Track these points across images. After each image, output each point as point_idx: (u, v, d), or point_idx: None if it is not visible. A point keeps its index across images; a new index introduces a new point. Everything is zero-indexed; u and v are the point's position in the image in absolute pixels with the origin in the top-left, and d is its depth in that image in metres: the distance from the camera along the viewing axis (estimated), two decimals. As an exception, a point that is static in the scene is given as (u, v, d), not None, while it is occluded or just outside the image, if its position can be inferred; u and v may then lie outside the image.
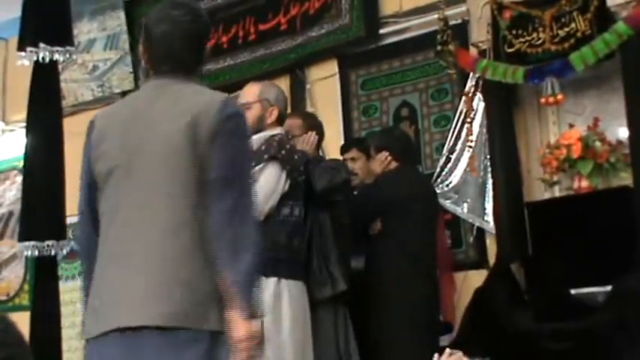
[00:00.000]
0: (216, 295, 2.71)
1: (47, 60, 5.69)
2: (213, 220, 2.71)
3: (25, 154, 5.67)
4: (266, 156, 4.42)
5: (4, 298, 8.60)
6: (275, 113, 4.60)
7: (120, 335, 2.68)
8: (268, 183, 4.38)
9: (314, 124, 5.14)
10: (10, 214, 8.63)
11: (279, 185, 4.42)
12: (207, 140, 2.72)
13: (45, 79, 5.79)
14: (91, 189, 2.90)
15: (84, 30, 8.17)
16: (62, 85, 6.51)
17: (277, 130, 4.63)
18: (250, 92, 4.66)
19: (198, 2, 3.33)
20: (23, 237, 5.33)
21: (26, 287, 8.32)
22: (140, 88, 3.03)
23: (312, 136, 4.95)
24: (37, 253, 5.12)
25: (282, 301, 4.35)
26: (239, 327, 2.68)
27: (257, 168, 4.36)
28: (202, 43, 2.93)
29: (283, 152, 4.47)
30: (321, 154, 5.55)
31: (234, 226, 2.70)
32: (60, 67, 6.03)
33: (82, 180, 2.96)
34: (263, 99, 4.60)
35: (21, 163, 6.24)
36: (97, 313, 2.78)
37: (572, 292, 5.13)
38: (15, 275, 8.53)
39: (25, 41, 5.77)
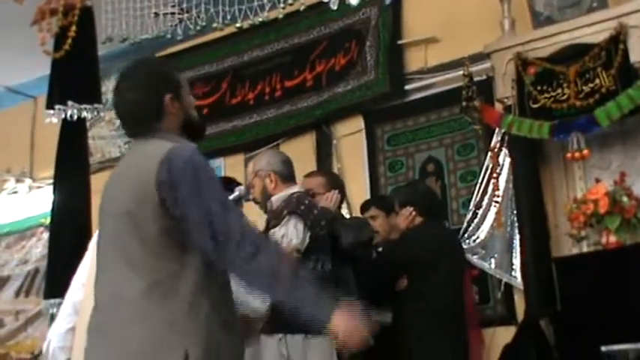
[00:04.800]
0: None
1: (75, 117, 5.76)
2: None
3: (52, 210, 5.71)
4: (285, 211, 4.52)
5: (28, 356, 8.57)
6: (273, 177, 4.76)
7: None
8: (289, 236, 4.45)
9: (336, 183, 5.24)
10: (36, 271, 8.65)
11: (300, 238, 4.47)
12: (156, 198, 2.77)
13: (73, 137, 5.85)
14: None
15: (111, 87, 8.23)
16: (90, 142, 6.58)
17: (294, 189, 4.76)
18: (248, 171, 4.92)
19: (147, 61, 3.40)
20: (49, 295, 5.34)
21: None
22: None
23: (335, 194, 4.99)
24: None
25: (310, 358, 4.35)
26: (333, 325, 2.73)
27: (279, 226, 4.48)
28: (150, 104, 2.98)
29: (302, 207, 4.56)
30: (346, 210, 5.59)
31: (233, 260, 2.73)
32: (87, 124, 6.10)
33: None
34: (257, 171, 4.80)
35: (47, 220, 6.28)
36: None
37: (603, 349, 5.05)
38: (40, 333, 8.51)
39: (53, 99, 5.85)
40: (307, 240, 4.50)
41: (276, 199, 4.66)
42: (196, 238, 2.72)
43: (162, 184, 2.74)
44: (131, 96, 2.99)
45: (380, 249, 5.42)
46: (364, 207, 5.74)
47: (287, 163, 4.84)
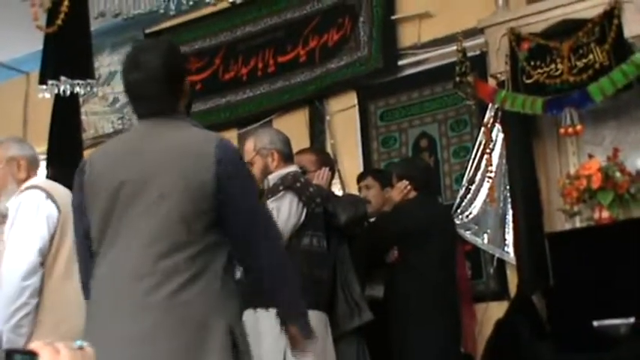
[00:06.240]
0: None
1: (68, 93, 5.74)
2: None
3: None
4: (281, 187, 4.52)
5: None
6: (275, 156, 4.70)
7: None
8: (284, 212, 4.45)
9: (327, 161, 5.29)
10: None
11: (295, 213, 4.49)
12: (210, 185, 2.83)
13: (66, 112, 5.84)
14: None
15: (104, 63, 8.23)
16: (82, 117, 6.57)
17: (291, 168, 4.73)
18: (248, 149, 4.80)
19: (167, 40, 3.43)
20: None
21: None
22: (131, 130, 3.20)
23: (326, 171, 5.05)
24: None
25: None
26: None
27: (272, 199, 4.47)
28: (175, 83, 3.00)
29: (298, 184, 4.57)
30: (339, 187, 5.63)
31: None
32: (81, 99, 6.08)
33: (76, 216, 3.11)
34: (259, 149, 4.71)
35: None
36: None
37: (595, 323, 5.09)
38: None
39: (46, 74, 5.83)
40: (303, 216, 4.52)
41: (273, 177, 4.64)
42: (237, 227, 2.88)
43: (222, 173, 2.82)
44: (160, 74, 2.93)
45: (372, 220, 5.43)
46: (361, 176, 5.78)
47: (288, 142, 4.83)
